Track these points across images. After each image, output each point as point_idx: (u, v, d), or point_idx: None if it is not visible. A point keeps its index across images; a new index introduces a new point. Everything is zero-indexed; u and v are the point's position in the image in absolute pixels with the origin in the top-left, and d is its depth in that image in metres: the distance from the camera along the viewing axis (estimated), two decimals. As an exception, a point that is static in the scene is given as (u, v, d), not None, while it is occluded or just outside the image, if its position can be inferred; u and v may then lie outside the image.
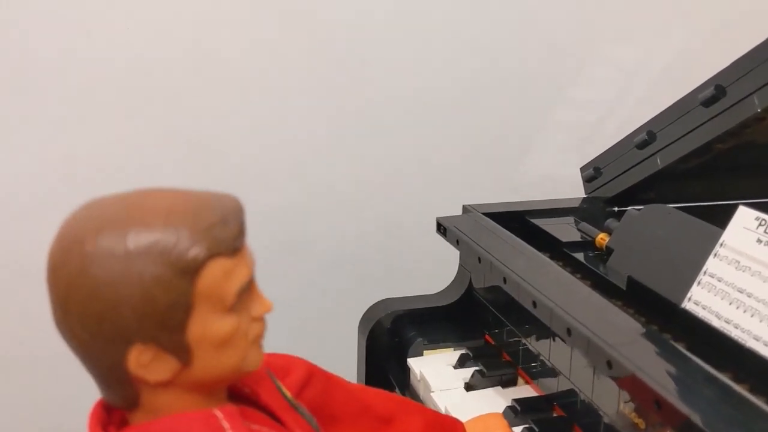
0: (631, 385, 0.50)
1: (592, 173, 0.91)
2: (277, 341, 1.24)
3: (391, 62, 1.25)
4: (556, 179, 1.33)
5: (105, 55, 1.13)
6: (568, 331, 0.58)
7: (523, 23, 1.29)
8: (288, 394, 0.45)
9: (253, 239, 1.15)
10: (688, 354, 0.53)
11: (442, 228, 0.84)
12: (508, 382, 0.77)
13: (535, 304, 0.63)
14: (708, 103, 0.72)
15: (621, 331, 0.56)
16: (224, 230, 0.38)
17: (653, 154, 0.81)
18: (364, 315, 0.88)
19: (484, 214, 0.86)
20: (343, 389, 0.54)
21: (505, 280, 0.69)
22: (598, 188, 0.91)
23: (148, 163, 1.18)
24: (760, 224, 0.61)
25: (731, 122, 0.70)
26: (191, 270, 0.37)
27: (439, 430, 0.60)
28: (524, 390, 0.76)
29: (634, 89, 1.39)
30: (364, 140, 1.26)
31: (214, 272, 0.38)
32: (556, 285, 0.65)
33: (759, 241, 0.60)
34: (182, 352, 0.39)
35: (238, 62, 1.18)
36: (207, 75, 1.18)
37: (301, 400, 0.49)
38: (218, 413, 0.38)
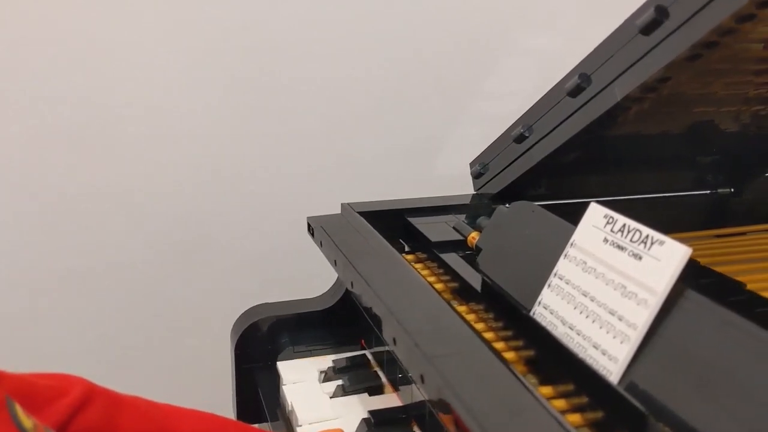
0: (439, 403, 0.46)
1: (478, 169, 0.87)
2: (149, 347, 1.22)
3: (301, 56, 1.20)
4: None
5: None
6: (394, 341, 0.53)
7: (439, 14, 1.25)
8: (26, 423, 0.40)
9: (131, 241, 1.06)
10: (510, 369, 0.49)
11: (311, 228, 0.79)
12: (375, 391, 0.72)
13: (371, 310, 0.58)
14: (574, 93, 0.67)
15: (451, 341, 0.52)
16: None
17: (530, 148, 0.77)
18: (236, 321, 0.83)
19: (360, 212, 0.81)
20: (135, 411, 0.49)
21: (352, 284, 0.64)
22: (485, 184, 0.87)
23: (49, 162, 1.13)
24: (607, 222, 0.56)
25: (597, 112, 0.66)
26: None
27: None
28: (390, 399, 0.72)
29: (553, 80, 1.35)
30: (271, 136, 1.22)
31: None
32: (401, 290, 0.61)
33: (605, 240, 0.56)
34: None
35: (130, 60, 1.13)
36: (98, 69, 1.12)
37: (74, 424, 0.44)
38: None
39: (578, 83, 0.66)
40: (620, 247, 0.54)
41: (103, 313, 1.20)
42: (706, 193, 0.98)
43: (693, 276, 0.69)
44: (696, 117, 0.81)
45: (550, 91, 0.72)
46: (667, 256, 0.50)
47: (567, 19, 1.30)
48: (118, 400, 0.49)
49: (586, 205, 0.90)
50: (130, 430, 0.48)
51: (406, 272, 0.65)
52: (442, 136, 1.29)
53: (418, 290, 0.61)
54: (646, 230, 0.52)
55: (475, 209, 0.84)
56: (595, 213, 0.58)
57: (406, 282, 0.62)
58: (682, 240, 0.95)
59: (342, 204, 0.84)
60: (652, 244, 0.51)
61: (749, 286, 0.76)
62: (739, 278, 0.78)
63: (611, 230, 0.56)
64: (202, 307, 1.22)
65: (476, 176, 0.88)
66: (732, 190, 0.98)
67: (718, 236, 0.95)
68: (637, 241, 0.53)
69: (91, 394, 0.47)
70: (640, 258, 0.52)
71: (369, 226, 0.76)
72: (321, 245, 0.75)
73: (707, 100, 0.73)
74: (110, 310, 1.20)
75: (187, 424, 0.51)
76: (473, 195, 0.89)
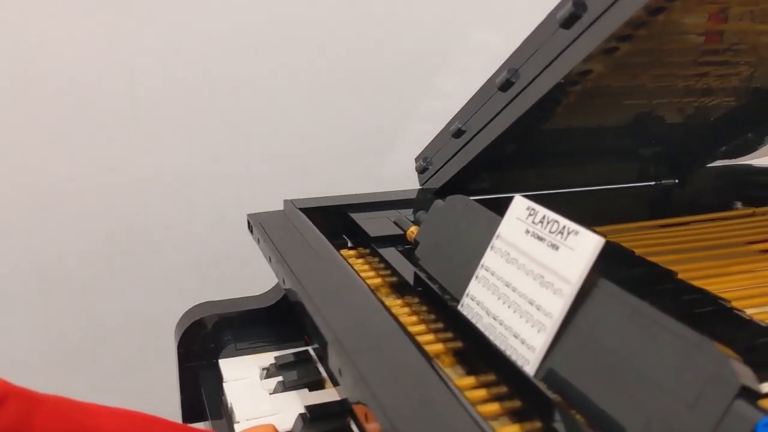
0: (354, 396, 0.46)
1: (422, 164, 0.87)
2: (94, 349, 1.21)
3: (249, 53, 1.20)
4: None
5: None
6: (319, 336, 0.54)
7: (387, 11, 1.25)
8: None
9: (69, 238, 1.04)
10: (429, 362, 0.49)
11: (250, 225, 0.79)
12: (315, 386, 0.73)
13: (299, 306, 0.59)
14: (504, 87, 0.68)
15: (373, 337, 0.52)
16: None
17: (468, 142, 0.77)
18: (179, 320, 0.83)
19: (302, 209, 0.81)
20: (54, 412, 0.49)
21: (284, 281, 0.64)
22: (429, 179, 0.88)
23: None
24: (529, 214, 0.57)
25: (526, 105, 0.67)
26: None
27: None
28: (330, 394, 0.72)
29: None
30: (214, 131, 1.21)
31: None
32: (331, 286, 0.61)
33: (527, 231, 0.56)
34: None
35: (68, 58, 1.11)
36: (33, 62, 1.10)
37: (-15, 426, 0.44)
38: None
39: (507, 78, 0.67)
40: (540, 238, 0.55)
41: (46, 317, 1.18)
42: (651, 185, 0.99)
43: (628, 265, 0.71)
44: (633, 109, 0.82)
45: (483, 85, 0.72)
46: (582, 246, 0.50)
47: (519, 15, 1.31)
48: (35, 400, 0.48)
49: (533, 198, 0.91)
50: (47, 430, 0.48)
51: (339, 269, 0.65)
52: (396, 132, 1.30)
53: (348, 287, 0.61)
54: (564, 221, 0.53)
55: (419, 204, 0.84)
56: (519, 205, 0.58)
57: (338, 278, 0.63)
58: (627, 231, 0.97)
59: (284, 200, 0.84)
60: (568, 234, 0.52)
61: (688, 275, 0.78)
62: (680, 267, 0.79)
63: (532, 222, 0.56)
64: (149, 307, 1.21)
65: (421, 171, 0.89)
66: (676, 180, 1.00)
67: (663, 226, 0.97)
68: (555, 231, 0.53)
69: (5, 394, 0.46)
70: (557, 248, 0.52)
71: (309, 222, 0.76)
72: (258, 242, 0.75)
73: (638, 93, 0.74)
74: (54, 314, 1.18)
75: (110, 424, 0.51)
76: (418, 190, 0.90)
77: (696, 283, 0.74)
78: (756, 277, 0.76)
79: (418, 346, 0.52)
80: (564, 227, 0.53)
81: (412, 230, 0.75)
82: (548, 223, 0.55)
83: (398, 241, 0.76)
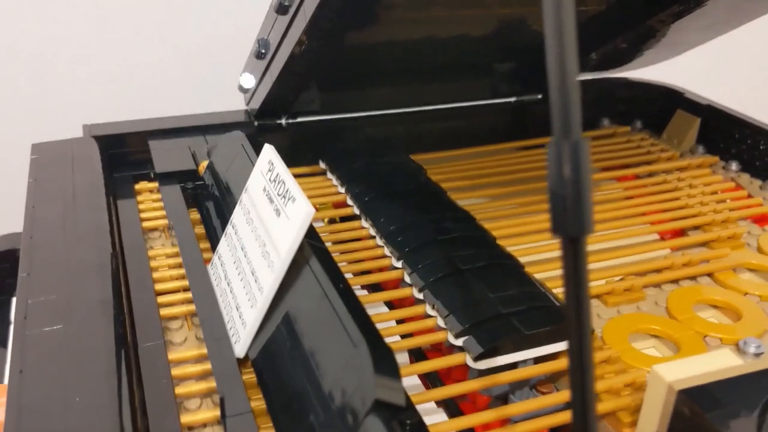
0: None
1: (241, 83, 0.79)
2: None
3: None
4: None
5: None
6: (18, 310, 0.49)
7: None
8: None
9: None
10: (120, 346, 0.45)
11: (33, 158, 0.72)
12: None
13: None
14: (281, 10, 0.59)
15: (67, 310, 0.47)
16: None
17: (270, 64, 0.69)
18: (-24, 255, 0.77)
19: (99, 136, 0.74)
20: None
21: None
22: (251, 99, 0.80)
23: None
24: (269, 169, 0.51)
25: (300, 27, 0.58)
26: None
27: None
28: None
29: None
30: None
31: None
32: (66, 239, 0.55)
33: (264, 190, 0.50)
34: None
35: None
36: None
37: None
38: None
39: (280, 2, 0.58)
40: (270, 200, 0.49)
41: None
42: (510, 101, 0.92)
43: (429, 208, 0.65)
44: (481, 16, 0.74)
45: (269, 7, 0.63)
46: (295, 216, 0.45)
47: None
48: None
49: (367, 120, 0.83)
50: None
51: (91, 217, 0.59)
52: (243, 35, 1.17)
53: (89, 241, 0.55)
54: (289, 183, 0.47)
55: (247, 128, 0.77)
56: (264, 156, 0.52)
57: (83, 229, 0.57)
58: (480, 155, 0.90)
59: (84, 125, 0.76)
60: (288, 200, 0.46)
61: (529, 208, 0.72)
62: (524, 199, 0.74)
63: (270, 179, 0.50)
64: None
65: (243, 90, 0.81)
66: (539, 96, 0.93)
67: (524, 148, 0.90)
68: (281, 194, 0.47)
69: None
70: (279, 214, 0.47)
71: (93, 153, 0.69)
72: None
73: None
74: None
75: None
76: (244, 111, 0.82)
77: (523, 221, 0.70)
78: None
79: (122, 323, 0.47)
80: (287, 191, 0.47)
81: (204, 165, 0.68)
82: (278, 183, 0.48)
83: (191, 176, 0.69)
